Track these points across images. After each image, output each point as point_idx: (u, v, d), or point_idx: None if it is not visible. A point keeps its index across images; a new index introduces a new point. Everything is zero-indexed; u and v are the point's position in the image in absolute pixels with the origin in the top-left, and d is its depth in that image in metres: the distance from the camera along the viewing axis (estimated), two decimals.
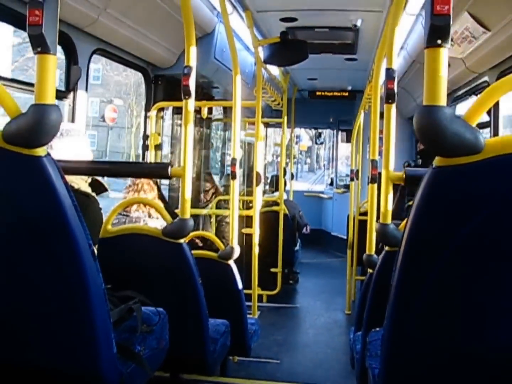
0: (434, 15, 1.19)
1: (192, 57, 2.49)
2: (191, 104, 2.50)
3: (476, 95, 5.26)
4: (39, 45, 1.38)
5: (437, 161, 1.23)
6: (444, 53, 1.22)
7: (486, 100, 1.21)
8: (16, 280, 1.61)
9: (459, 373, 1.39)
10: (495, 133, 4.51)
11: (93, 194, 2.81)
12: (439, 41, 1.20)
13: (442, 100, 1.21)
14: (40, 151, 1.44)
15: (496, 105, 4.46)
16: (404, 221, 2.41)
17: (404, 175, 2.29)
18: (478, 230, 1.24)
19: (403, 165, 2.41)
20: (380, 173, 2.66)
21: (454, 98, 5.72)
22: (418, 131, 1.23)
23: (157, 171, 2.66)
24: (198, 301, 2.58)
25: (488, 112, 4.55)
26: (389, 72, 2.50)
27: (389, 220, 2.41)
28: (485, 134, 4.71)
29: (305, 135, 22.02)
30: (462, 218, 1.24)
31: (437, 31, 1.20)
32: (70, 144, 2.71)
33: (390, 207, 2.45)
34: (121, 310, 1.98)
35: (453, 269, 1.28)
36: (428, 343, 1.37)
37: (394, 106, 2.50)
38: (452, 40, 4.30)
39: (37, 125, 1.39)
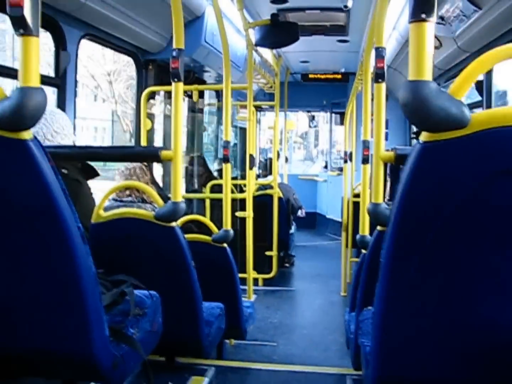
0: None
1: (181, 39, 2.47)
2: (180, 87, 2.49)
3: None
4: (21, 27, 1.37)
5: (423, 136, 1.22)
6: (429, 28, 1.20)
7: (472, 73, 1.20)
8: (6, 264, 1.61)
9: (449, 349, 1.40)
10: (488, 107, 4.50)
11: (84, 179, 2.80)
12: (423, 15, 1.19)
13: (427, 75, 1.20)
14: (26, 135, 1.43)
15: (489, 84, 4.45)
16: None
17: (394, 155, 2.28)
18: (464, 205, 1.24)
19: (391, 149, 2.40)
20: (372, 154, 2.66)
21: (447, 78, 5.71)
22: (403, 107, 1.22)
23: (148, 155, 2.65)
24: (192, 284, 2.58)
25: (481, 92, 4.54)
26: (379, 50, 2.49)
27: (380, 199, 2.41)
28: None
29: (303, 119, 21.81)
30: (449, 193, 1.24)
31: (421, 4, 1.19)
32: (63, 141, 2.69)
33: (381, 186, 2.45)
34: (113, 294, 1.98)
35: (440, 245, 1.28)
36: (416, 319, 1.37)
37: (384, 85, 2.49)
38: (443, 19, 4.28)
39: (22, 108, 1.38)
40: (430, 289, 1.34)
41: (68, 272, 1.57)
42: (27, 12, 1.35)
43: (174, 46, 2.47)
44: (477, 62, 1.20)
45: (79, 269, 1.57)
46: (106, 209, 2.73)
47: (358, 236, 2.93)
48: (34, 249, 1.56)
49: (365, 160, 3.17)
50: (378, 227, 2.41)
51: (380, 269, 1.39)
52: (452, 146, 1.20)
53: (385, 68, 2.47)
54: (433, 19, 1.20)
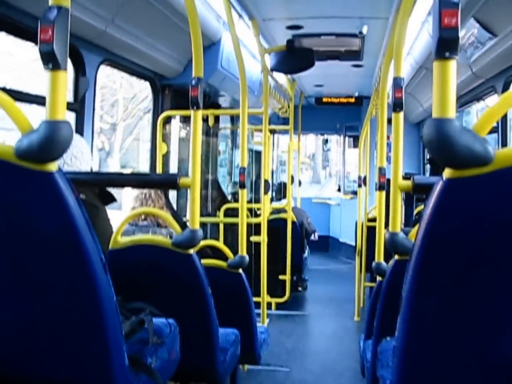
0: (442, 29, 1.19)
1: (200, 68, 2.50)
2: (199, 115, 2.51)
3: (483, 100, 5.26)
4: (50, 61, 1.39)
5: (447, 173, 1.23)
6: (453, 65, 1.22)
7: (496, 112, 1.21)
8: (29, 294, 1.62)
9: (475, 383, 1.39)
10: (503, 139, 4.50)
11: (102, 204, 2.83)
12: (447, 54, 1.20)
13: (451, 113, 1.21)
14: (52, 167, 1.45)
15: (504, 117, 4.46)
16: (414, 230, 2.41)
17: (412, 184, 2.28)
18: (489, 241, 1.24)
19: (403, 176, 2.41)
20: (388, 180, 2.66)
21: (461, 103, 5.72)
22: (427, 144, 1.23)
23: (166, 182, 2.67)
24: (209, 311, 2.58)
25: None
26: (397, 80, 2.50)
27: (398, 228, 2.41)
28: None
29: (311, 139, 21.85)
30: (473, 230, 1.24)
31: (446, 44, 1.20)
32: (82, 165, 2.73)
33: (399, 215, 2.45)
34: (132, 322, 1.98)
35: (463, 281, 1.28)
36: (441, 354, 1.36)
37: (402, 114, 2.50)
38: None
39: (49, 141, 1.40)
40: (455, 325, 1.33)
41: (90, 302, 1.58)
42: (56, 47, 1.37)
43: (193, 74, 2.50)
44: (501, 100, 1.21)
45: (101, 300, 1.58)
46: (122, 233, 2.75)
47: (374, 264, 2.92)
48: (57, 279, 1.57)
49: (381, 187, 3.17)
50: (396, 256, 2.40)
51: (401, 303, 1.39)
52: (476, 183, 1.20)
53: (403, 98, 2.49)
54: (457, 57, 1.21)
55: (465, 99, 5.60)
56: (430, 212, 1.26)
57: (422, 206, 4.60)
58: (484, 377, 1.36)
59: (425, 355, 1.38)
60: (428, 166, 8.06)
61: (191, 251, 2.51)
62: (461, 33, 4.15)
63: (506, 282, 1.28)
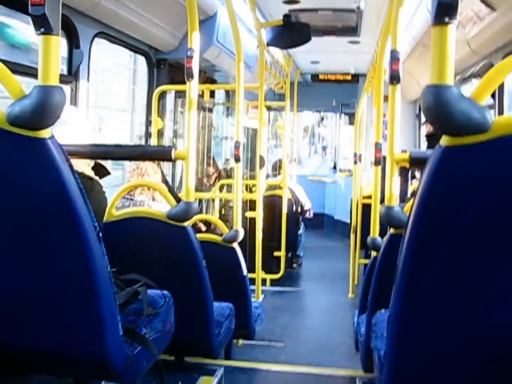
0: None
1: (195, 40, 2.48)
2: (194, 86, 2.49)
3: (481, 77, 5.23)
4: (42, 25, 1.37)
5: (444, 140, 1.21)
6: (452, 31, 1.20)
7: (493, 79, 1.19)
8: (22, 264, 1.61)
9: (465, 354, 1.39)
10: (500, 108, 4.48)
11: (96, 177, 2.81)
12: (446, 19, 1.19)
13: (449, 79, 1.20)
14: (45, 133, 1.43)
15: (501, 87, 4.43)
16: (409, 203, 2.41)
17: (409, 157, 2.27)
18: (486, 210, 1.23)
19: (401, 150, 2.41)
20: (384, 157, 2.65)
21: (459, 80, 5.68)
22: (425, 110, 1.22)
23: (161, 154, 2.66)
24: (203, 284, 2.58)
25: (493, 95, 4.52)
26: (394, 53, 2.48)
27: (394, 202, 2.40)
28: None
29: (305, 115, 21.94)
30: (470, 197, 1.23)
31: (445, 7, 1.18)
32: (71, 131, 2.71)
33: (395, 189, 2.44)
34: (127, 293, 1.98)
35: (460, 250, 1.28)
36: (434, 324, 1.37)
37: (398, 87, 2.48)
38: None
39: (41, 107, 1.38)
40: (448, 294, 1.33)
41: (83, 271, 1.57)
42: (49, 11, 1.35)
43: (188, 46, 2.48)
44: (498, 67, 1.19)
45: (95, 269, 1.57)
46: (117, 207, 2.74)
47: (368, 239, 2.92)
48: (50, 247, 1.56)
49: (377, 162, 3.16)
50: (391, 230, 2.40)
51: (396, 273, 1.39)
52: (473, 150, 1.20)
53: (400, 70, 2.47)
54: (456, 21, 1.20)
55: (463, 76, 5.56)
56: (427, 180, 1.25)
57: (417, 184, 4.61)
58: (477, 346, 1.36)
59: (419, 325, 1.39)
60: (424, 144, 8.06)
61: (186, 223, 2.51)
62: (459, 8, 4.11)
63: (502, 253, 1.28)
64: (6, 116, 1.41)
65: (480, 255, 1.29)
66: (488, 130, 1.18)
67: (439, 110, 1.18)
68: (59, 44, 1.42)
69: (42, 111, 1.39)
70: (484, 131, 1.18)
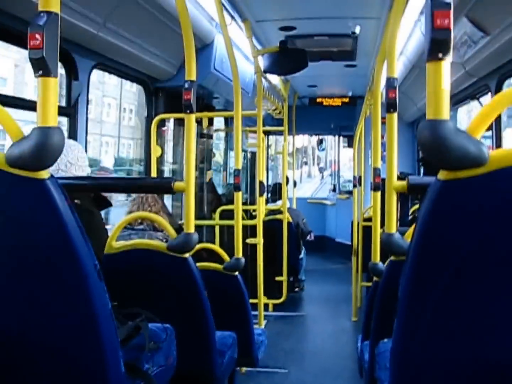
0: (434, 29, 1.18)
1: (193, 71, 2.49)
2: (193, 118, 2.50)
3: (477, 99, 5.27)
4: (41, 68, 1.38)
5: (441, 174, 1.22)
6: (446, 66, 1.21)
7: (489, 112, 1.20)
8: (21, 303, 1.60)
9: None
10: (497, 141, 4.51)
11: (97, 210, 2.81)
12: (440, 55, 1.20)
13: (445, 114, 1.21)
14: (44, 174, 1.43)
15: (498, 118, 4.46)
16: (410, 230, 2.41)
17: (407, 184, 2.28)
18: (485, 242, 1.23)
19: (398, 175, 2.41)
20: (383, 180, 2.65)
21: (455, 102, 5.73)
22: (422, 146, 1.23)
23: (160, 186, 2.66)
24: (205, 315, 2.57)
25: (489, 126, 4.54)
26: (390, 81, 2.50)
27: (394, 229, 2.40)
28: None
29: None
30: (469, 231, 1.23)
31: (438, 45, 1.19)
32: (79, 170, 2.72)
33: (394, 216, 2.44)
34: (128, 328, 1.97)
35: (460, 282, 1.28)
36: (438, 356, 1.36)
37: (395, 115, 2.50)
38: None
39: (40, 149, 1.39)
40: (450, 326, 1.33)
41: (84, 309, 1.57)
42: (47, 54, 1.36)
43: (186, 77, 2.49)
44: (494, 101, 1.20)
45: (95, 307, 1.57)
46: (118, 237, 2.74)
47: (370, 264, 2.91)
48: (50, 286, 1.56)
49: (376, 188, 3.17)
50: (392, 257, 2.40)
51: (398, 305, 1.39)
52: (471, 184, 1.20)
53: (397, 98, 2.48)
54: (450, 58, 1.21)
55: (459, 98, 5.60)
56: (425, 214, 1.25)
57: (417, 206, 4.61)
58: (479, 379, 1.35)
59: (421, 356, 1.38)
60: (421, 166, 8.08)
61: (187, 254, 2.50)
62: (453, 32, 4.15)
63: (502, 284, 1.28)
64: (6, 158, 1.42)
65: (481, 286, 1.29)
66: (485, 164, 1.19)
67: (436, 145, 1.19)
68: (58, 85, 1.43)
69: (41, 152, 1.39)
70: (481, 164, 1.19)
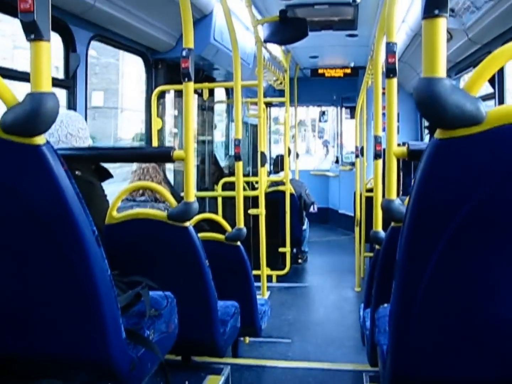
0: None
1: (190, 39, 2.46)
2: (191, 87, 2.48)
3: None
4: (32, 32, 1.37)
5: (438, 133, 1.21)
6: (442, 24, 1.19)
7: (486, 69, 1.18)
8: (22, 270, 1.61)
9: (467, 347, 1.39)
10: (500, 99, 4.46)
11: (98, 181, 2.81)
12: (436, 11, 1.18)
13: (442, 72, 1.19)
14: (39, 140, 1.43)
15: (501, 76, 4.41)
16: (408, 196, 2.40)
17: (407, 150, 2.26)
18: (482, 202, 1.23)
19: (399, 145, 2.41)
20: (384, 149, 2.64)
21: (458, 70, 5.67)
22: (418, 104, 1.21)
23: (160, 155, 2.65)
24: (206, 283, 2.58)
25: (493, 84, 4.50)
26: (390, 46, 2.47)
27: (394, 195, 2.39)
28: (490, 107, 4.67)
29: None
30: (466, 190, 1.23)
31: (435, 0, 1.17)
32: (62, 123, 2.70)
33: (395, 182, 2.43)
34: (128, 296, 1.98)
35: (458, 242, 1.27)
36: (434, 317, 1.37)
37: (395, 80, 2.47)
38: (453, 11, 4.25)
39: (34, 114, 1.38)
40: (447, 287, 1.33)
41: (83, 276, 1.57)
42: (38, 17, 1.35)
43: (183, 45, 2.47)
44: (491, 57, 1.18)
45: (95, 273, 1.57)
46: (119, 208, 2.74)
47: (371, 232, 2.91)
48: (50, 253, 1.57)
49: (378, 156, 3.15)
50: (392, 223, 2.39)
51: (395, 267, 1.39)
52: (468, 142, 1.19)
53: (397, 62, 2.45)
54: (446, 14, 1.19)
55: (461, 66, 5.55)
56: (421, 174, 1.24)
57: None
58: (478, 338, 1.36)
59: (419, 319, 1.38)
60: (426, 135, 8.04)
61: (187, 223, 2.51)
62: None
63: (501, 244, 1.27)
64: (0, 124, 1.41)
65: (478, 246, 1.28)
66: (482, 122, 1.17)
67: (431, 103, 1.18)
68: (50, 49, 1.42)
69: (35, 118, 1.38)
70: (478, 123, 1.17)
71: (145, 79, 5.14)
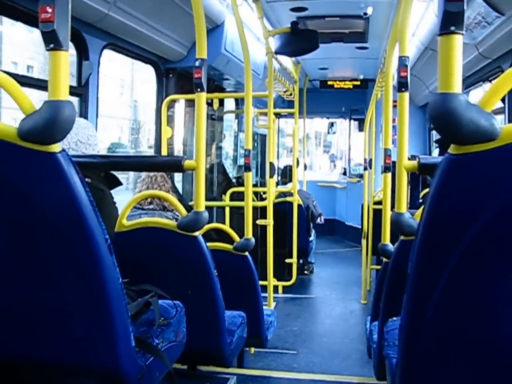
0: (447, 1, 1.17)
1: (204, 49, 2.48)
2: (203, 97, 2.49)
3: (490, 81, 5.22)
4: (52, 41, 1.38)
5: (452, 149, 1.21)
6: (458, 40, 1.20)
7: (501, 86, 1.19)
8: (33, 275, 1.62)
9: (477, 362, 1.39)
10: (510, 120, 4.46)
11: (108, 189, 2.82)
12: (452, 28, 1.18)
13: (457, 88, 1.20)
14: (55, 147, 1.44)
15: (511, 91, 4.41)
16: (420, 210, 2.40)
17: (418, 164, 2.27)
18: (495, 218, 1.23)
19: (408, 158, 2.42)
20: (394, 162, 2.65)
21: (467, 85, 5.67)
22: (433, 119, 1.22)
23: (171, 165, 2.66)
24: (214, 293, 2.58)
25: (503, 99, 4.51)
26: (402, 60, 2.48)
27: (404, 209, 2.40)
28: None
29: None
30: (479, 206, 1.23)
31: (451, 17, 1.18)
32: (72, 130, 2.72)
33: (405, 195, 2.43)
34: (138, 304, 1.99)
35: (470, 257, 1.27)
36: (445, 332, 1.36)
37: (407, 94, 2.48)
38: (464, 25, 4.25)
39: (52, 122, 1.40)
40: (459, 302, 1.32)
41: (95, 283, 1.58)
42: (58, 27, 1.36)
43: (197, 56, 2.48)
44: (507, 75, 1.19)
45: (106, 281, 1.58)
46: (128, 217, 2.75)
47: (380, 245, 2.91)
48: (62, 260, 1.58)
49: (387, 169, 3.16)
50: (402, 237, 2.39)
51: (407, 281, 1.39)
52: (482, 158, 1.19)
53: (409, 77, 2.46)
54: (462, 31, 1.20)
55: (471, 81, 5.55)
56: (435, 189, 1.25)
57: (428, 189, 4.56)
58: (489, 356, 1.35)
59: (430, 333, 1.38)
60: (435, 149, 8.02)
61: (197, 233, 2.51)
62: (467, 13, 4.10)
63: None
64: (18, 131, 1.42)
65: (491, 262, 1.28)
66: (496, 138, 1.18)
67: (447, 119, 1.18)
68: (69, 59, 1.44)
69: (52, 126, 1.40)
70: (492, 139, 1.18)
71: (156, 88, 5.17)
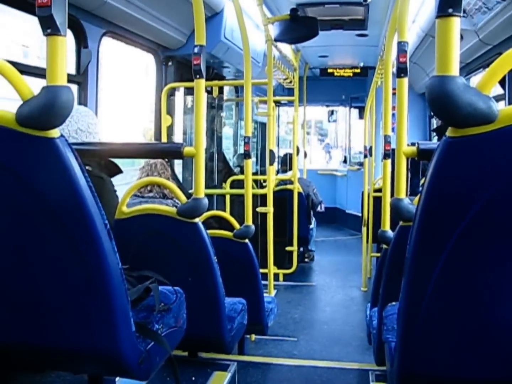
0: None
1: (202, 36, 2.47)
2: (202, 84, 2.49)
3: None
4: (49, 26, 1.38)
5: (449, 132, 1.21)
6: (456, 22, 1.19)
7: (499, 68, 1.19)
8: (34, 261, 1.63)
9: (475, 346, 1.39)
10: (510, 98, 4.45)
11: (108, 176, 2.82)
12: (450, 10, 1.18)
13: (454, 70, 1.19)
14: (54, 133, 1.45)
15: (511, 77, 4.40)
16: (418, 195, 2.40)
17: (417, 149, 2.27)
18: (493, 200, 1.23)
19: (408, 145, 2.42)
20: (393, 149, 2.64)
21: (468, 71, 5.66)
22: (430, 102, 1.22)
23: (170, 151, 2.66)
24: (214, 280, 2.59)
25: (503, 85, 4.49)
26: (401, 45, 2.47)
27: (403, 194, 2.40)
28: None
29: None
30: (477, 189, 1.23)
31: None
32: (72, 118, 2.71)
33: (404, 181, 2.44)
34: (138, 289, 1.99)
35: (467, 242, 1.28)
36: (443, 315, 1.37)
37: (406, 80, 2.47)
38: (464, 11, 4.24)
39: (50, 107, 1.40)
40: (456, 286, 1.33)
41: (95, 268, 1.59)
42: (55, 12, 1.36)
43: (195, 42, 2.47)
44: (504, 57, 1.19)
45: (106, 265, 1.59)
46: (128, 205, 2.75)
47: (379, 231, 2.92)
48: (62, 245, 1.58)
49: (387, 155, 3.16)
50: (401, 223, 2.40)
51: (405, 265, 1.39)
52: (479, 141, 1.19)
53: (408, 62, 2.46)
54: (460, 13, 1.19)
55: (471, 67, 5.53)
56: (433, 172, 1.25)
57: None
58: (487, 338, 1.36)
59: (428, 317, 1.39)
60: (434, 136, 8.01)
61: (197, 219, 2.52)
62: None
63: (509, 243, 1.28)
64: (16, 117, 1.43)
65: (488, 246, 1.29)
66: (494, 121, 1.18)
67: (444, 101, 1.18)
68: (66, 44, 1.43)
69: (51, 111, 1.40)
70: (490, 121, 1.18)
71: (155, 76, 5.15)
